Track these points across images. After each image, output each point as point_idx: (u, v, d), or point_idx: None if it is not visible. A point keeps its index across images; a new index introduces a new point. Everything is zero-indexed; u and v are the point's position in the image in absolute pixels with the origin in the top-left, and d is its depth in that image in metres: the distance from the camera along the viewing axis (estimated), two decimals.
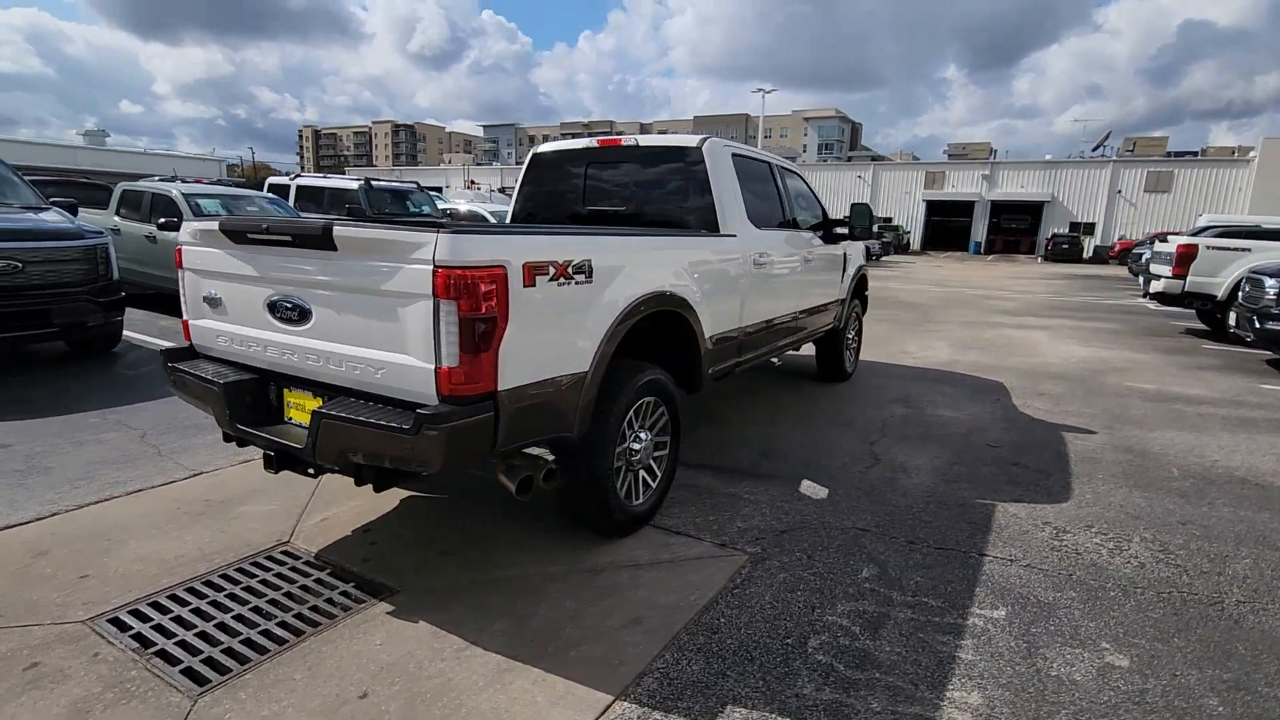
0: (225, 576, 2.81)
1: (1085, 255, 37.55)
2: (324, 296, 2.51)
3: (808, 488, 3.89)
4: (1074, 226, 39.60)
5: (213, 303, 2.90)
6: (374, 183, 10.70)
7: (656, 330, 3.43)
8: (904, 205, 44.30)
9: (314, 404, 2.60)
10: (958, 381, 6.72)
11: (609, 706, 2.12)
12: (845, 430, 5.00)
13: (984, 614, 2.67)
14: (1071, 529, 3.45)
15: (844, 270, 5.92)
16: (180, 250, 2.98)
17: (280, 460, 2.72)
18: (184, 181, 9.66)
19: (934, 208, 44.10)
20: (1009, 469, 4.30)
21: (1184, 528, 3.50)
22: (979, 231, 42.71)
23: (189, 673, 2.23)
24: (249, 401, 2.78)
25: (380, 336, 2.38)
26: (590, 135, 5.71)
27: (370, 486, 2.61)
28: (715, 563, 3.02)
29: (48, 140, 41.83)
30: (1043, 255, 38.28)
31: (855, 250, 6.20)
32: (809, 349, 6.39)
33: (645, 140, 4.24)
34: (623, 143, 4.29)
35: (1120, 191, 38.53)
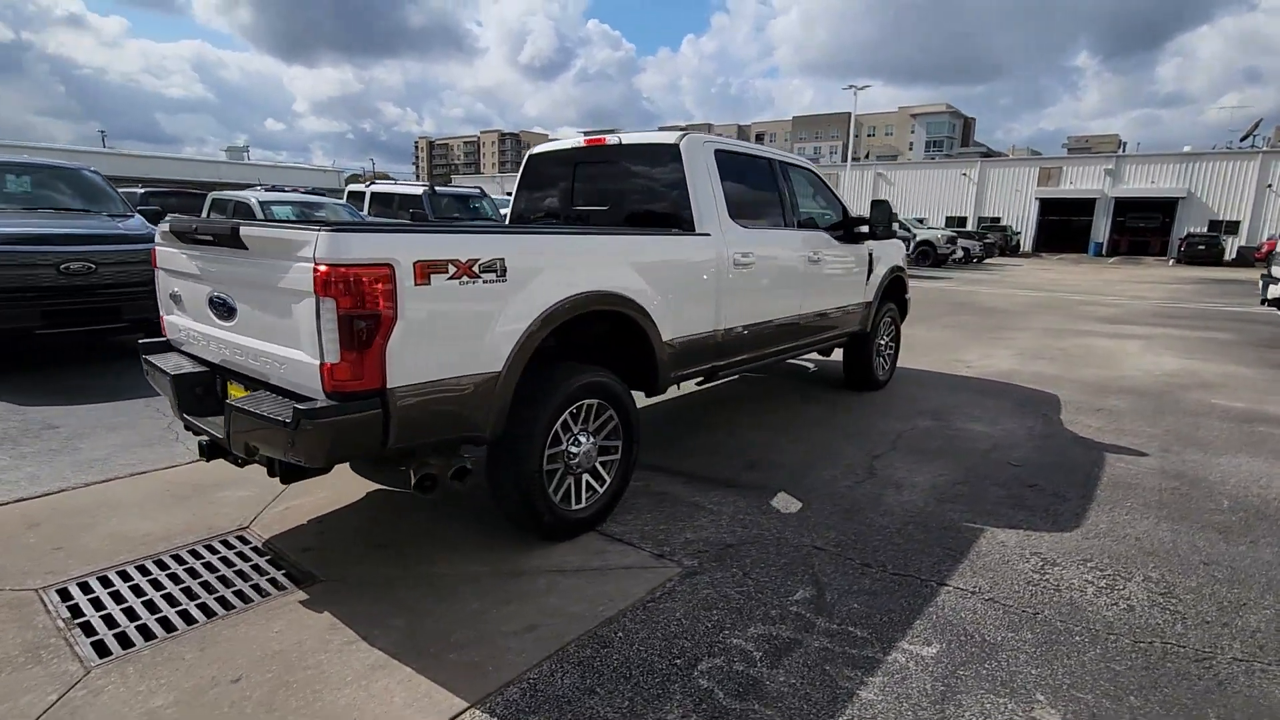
0: (175, 556, 2.99)
1: (1227, 257, 33.70)
2: (243, 293, 2.63)
3: (781, 500, 3.68)
4: (1214, 225, 35.63)
5: (175, 299, 3.10)
6: (438, 188, 11.18)
7: (612, 330, 3.36)
8: (1014, 204, 41.42)
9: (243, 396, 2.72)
10: (1008, 394, 6.16)
11: (461, 713, 2.07)
12: (853, 441, 4.70)
13: (911, 649, 2.41)
14: (1063, 562, 3.07)
15: (870, 271, 5.58)
16: (154, 250, 3.21)
17: (212, 449, 2.87)
18: (265, 190, 10.44)
19: (1048, 206, 40.95)
20: (1021, 491, 3.89)
21: (1205, 568, 3.03)
22: (1100, 231, 39.26)
23: (99, 645, 2.38)
24: (199, 392, 2.94)
25: (282, 332, 2.46)
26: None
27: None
28: (643, 573, 2.90)
29: (202, 157, 46.66)
30: (1175, 257, 34.68)
31: (887, 250, 5.83)
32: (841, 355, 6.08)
33: (628, 139, 4.16)
34: (607, 142, 4.23)
35: (1271, 186, 34.27)
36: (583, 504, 3.22)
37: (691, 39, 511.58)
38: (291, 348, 2.41)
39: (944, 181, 43.71)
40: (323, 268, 2.23)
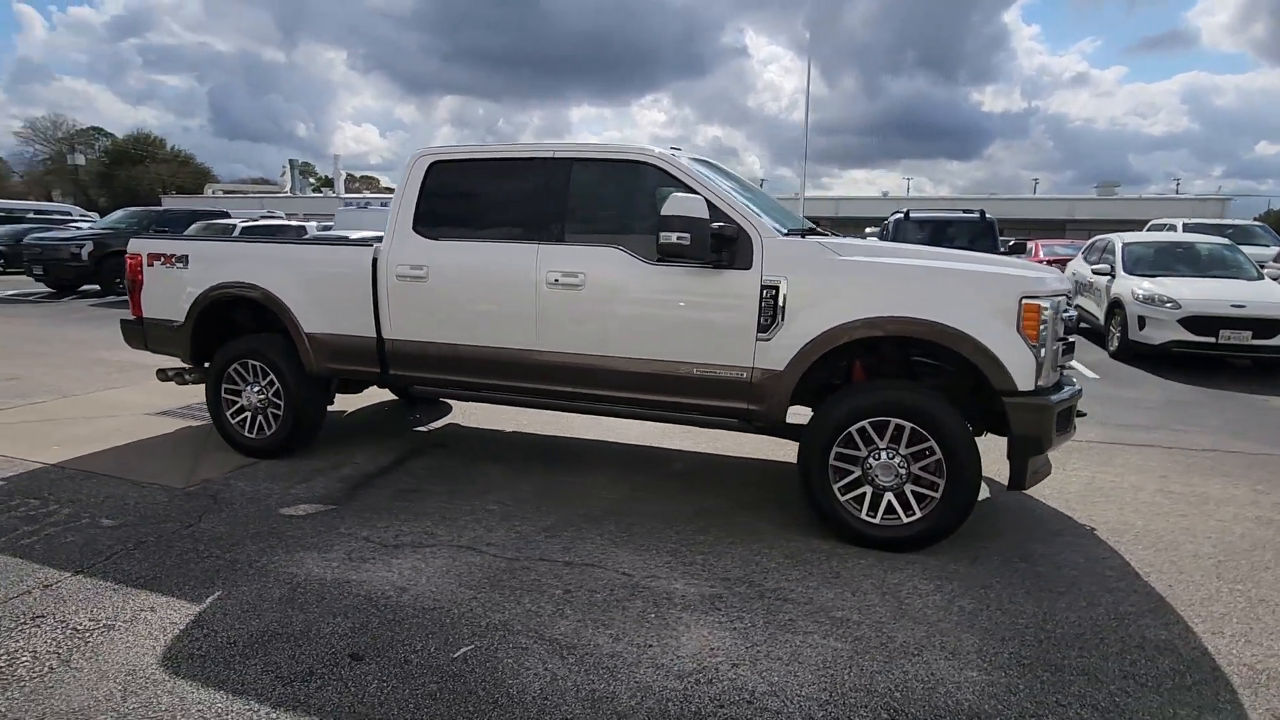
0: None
1: None
2: None
3: (298, 509, 3.69)
4: None
5: None
6: (912, 214, 9.76)
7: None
8: None
9: None
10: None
11: None
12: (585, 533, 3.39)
13: None
14: None
15: (775, 317, 3.22)
16: None
17: None
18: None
19: None
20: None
21: None
22: None
23: None
24: None
25: None
26: None
27: None
28: (130, 488, 4.09)
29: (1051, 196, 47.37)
30: None
31: (831, 282, 3.14)
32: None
33: None
34: None
35: None
36: (252, 436, 4.47)
37: None
38: None
39: None
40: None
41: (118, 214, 15.72)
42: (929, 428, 3.09)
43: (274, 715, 2.09)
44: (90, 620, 2.57)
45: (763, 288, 3.27)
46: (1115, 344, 8.36)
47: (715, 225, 3.24)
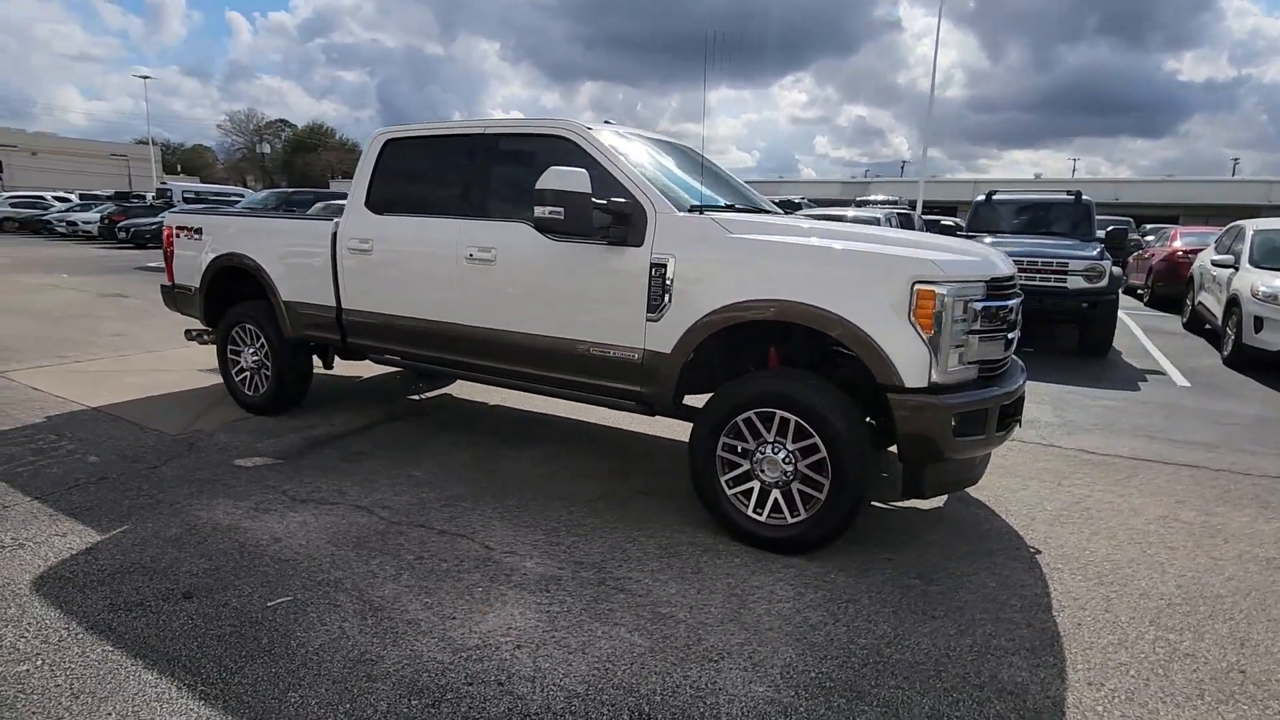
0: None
1: None
2: None
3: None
4: None
5: None
6: (997, 196, 8.62)
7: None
8: None
9: None
10: None
11: None
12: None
13: None
14: None
15: (664, 296, 3.06)
16: None
17: None
18: None
19: None
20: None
21: None
22: None
23: None
24: None
25: None
26: None
27: None
28: (137, 436, 4.60)
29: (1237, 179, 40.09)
30: None
31: (718, 260, 2.91)
32: None
33: None
34: None
35: None
36: (250, 394, 4.91)
37: None
38: None
39: None
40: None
41: (260, 194, 17.69)
42: (813, 422, 2.82)
43: (78, 635, 2.33)
44: (11, 539, 2.98)
45: (652, 265, 3.12)
46: (1229, 348, 7.11)
47: (605, 200, 3.13)
